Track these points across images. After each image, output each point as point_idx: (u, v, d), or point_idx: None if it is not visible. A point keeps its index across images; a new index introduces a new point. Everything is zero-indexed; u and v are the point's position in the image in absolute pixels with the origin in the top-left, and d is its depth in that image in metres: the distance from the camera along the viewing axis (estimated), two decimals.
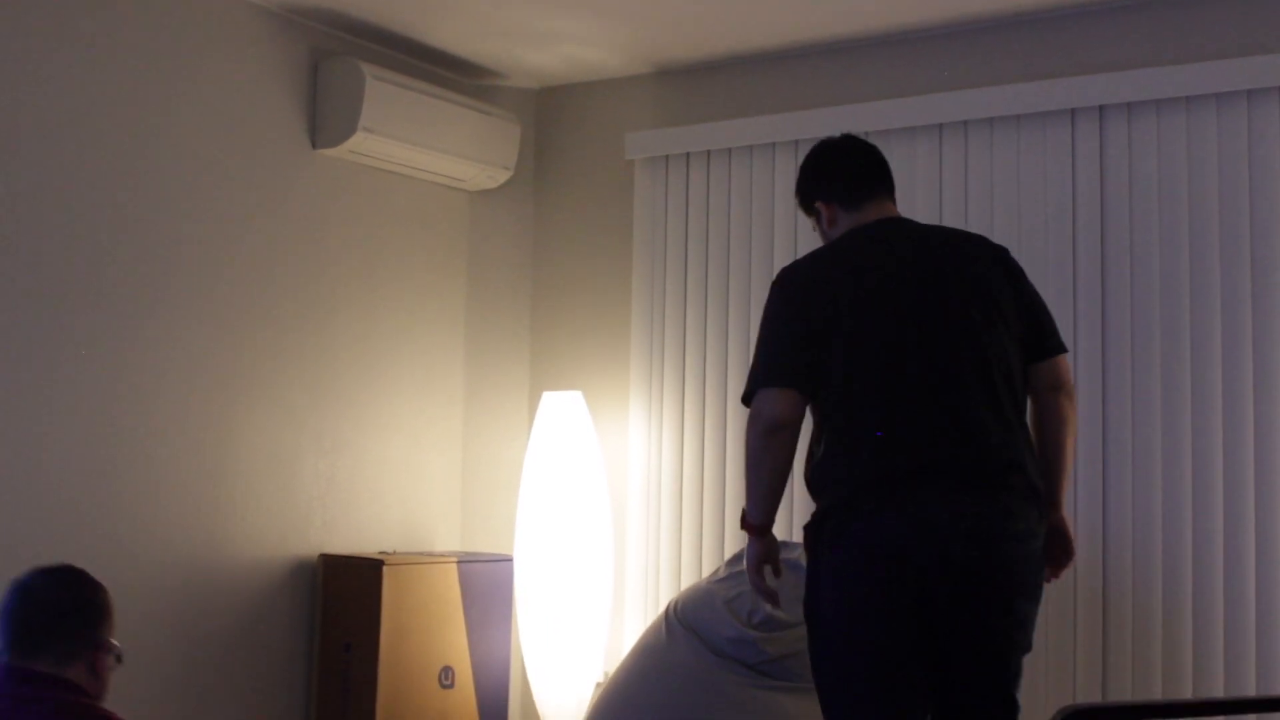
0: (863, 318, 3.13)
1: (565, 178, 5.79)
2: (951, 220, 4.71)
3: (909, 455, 3.02)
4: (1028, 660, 4.42)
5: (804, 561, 3.92)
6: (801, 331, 3.16)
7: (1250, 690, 4.10)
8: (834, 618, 3.09)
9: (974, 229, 4.65)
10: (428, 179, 5.43)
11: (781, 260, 5.06)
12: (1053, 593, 4.35)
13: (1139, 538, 4.32)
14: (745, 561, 3.31)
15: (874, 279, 3.19)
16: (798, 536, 3.68)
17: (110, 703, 4.26)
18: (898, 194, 4.45)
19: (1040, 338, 3.25)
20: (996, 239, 4.57)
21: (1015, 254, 4.36)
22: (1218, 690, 4.15)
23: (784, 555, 3.99)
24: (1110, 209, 4.47)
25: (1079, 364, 4.43)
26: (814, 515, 3.15)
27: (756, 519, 3.22)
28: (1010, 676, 3.17)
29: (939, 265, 3.22)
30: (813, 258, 3.37)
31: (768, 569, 3.28)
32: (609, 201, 5.63)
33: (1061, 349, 3.28)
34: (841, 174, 3.45)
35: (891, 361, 3.09)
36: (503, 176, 5.57)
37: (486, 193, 5.71)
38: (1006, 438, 3.06)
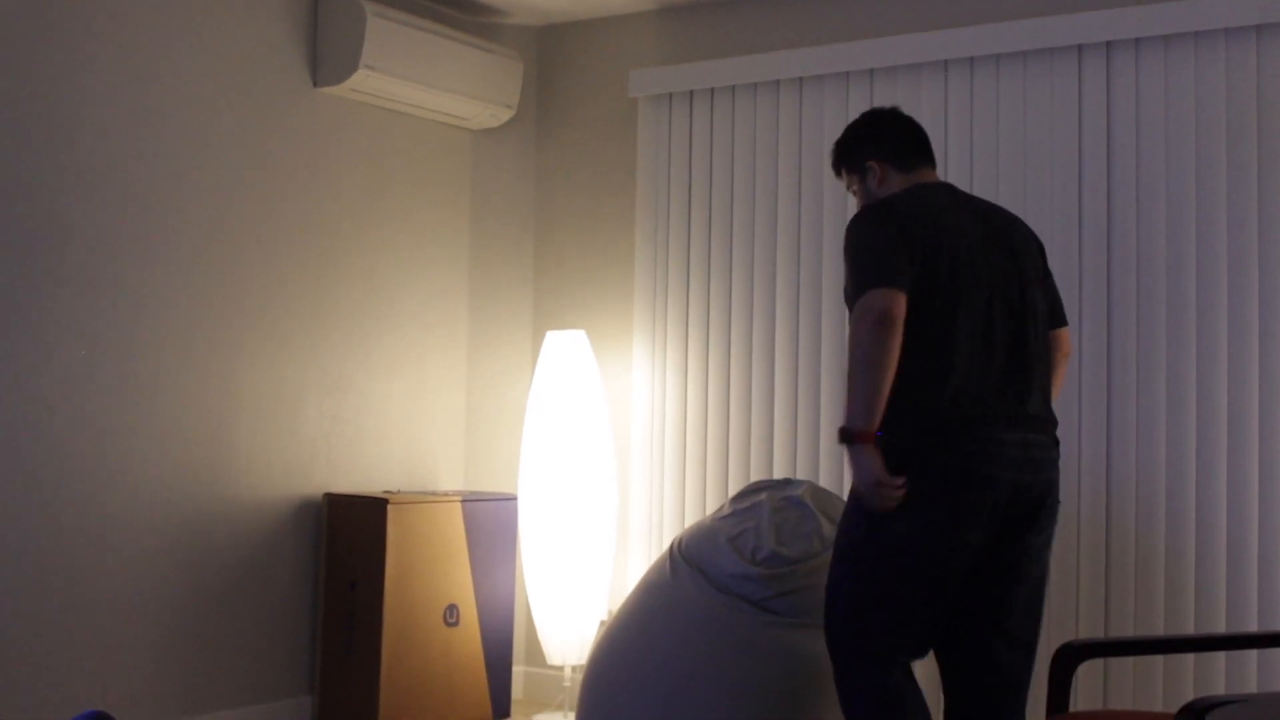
0: (961, 269, 3.33)
1: (568, 116, 5.76)
2: (957, 158, 4.68)
3: (992, 397, 3.30)
4: None
5: (809, 499, 3.95)
6: (905, 255, 3.29)
7: (1252, 627, 4.12)
8: (910, 535, 3.23)
9: (980, 167, 4.66)
10: (430, 117, 5.40)
11: (786, 197, 5.05)
12: (1058, 530, 4.37)
13: (1142, 476, 4.32)
14: (857, 478, 3.20)
15: (967, 239, 3.39)
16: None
17: (118, 644, 4.31)
18: None
19: (1056, 311, 3.61)
20: (1002, 177, 4.59)
21: (1021, 191, 4.40)
22: (1219, 628, 4.17)
23: (787, 492, 4.01)
24: (1117, 146, 4.44)
25: (1084, 303, 4.42)
26: (897, 440, 3.22)
27: (865, 423, 3.17)
28: (1042, 596, 3.47)
29: (1012, 241, 3.48)
30: (910, 196, 3.49)
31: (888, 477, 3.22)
32: (612, 140, 5.61)
33: (1066, 321, 3.65)
34: (898, 137, 3.66)
35: (982, 315, 3.32)
36: (505, 115, 5.54)
37: (489, 131, 5.68)
38: (1047, 388, 3.48)
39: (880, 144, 3.66)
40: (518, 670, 5.64)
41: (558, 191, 5.78)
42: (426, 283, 5.45)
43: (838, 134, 4.86)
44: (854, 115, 4.88)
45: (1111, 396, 4.38)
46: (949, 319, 3.28)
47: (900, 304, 3.22)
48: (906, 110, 4.68)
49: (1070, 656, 3.25)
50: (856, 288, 3.26)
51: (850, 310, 3.27)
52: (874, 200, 3.55)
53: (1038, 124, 4.56)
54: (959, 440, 3.24)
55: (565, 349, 5.22)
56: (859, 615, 3.30)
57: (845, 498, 4.52)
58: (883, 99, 4.83)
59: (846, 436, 3.20)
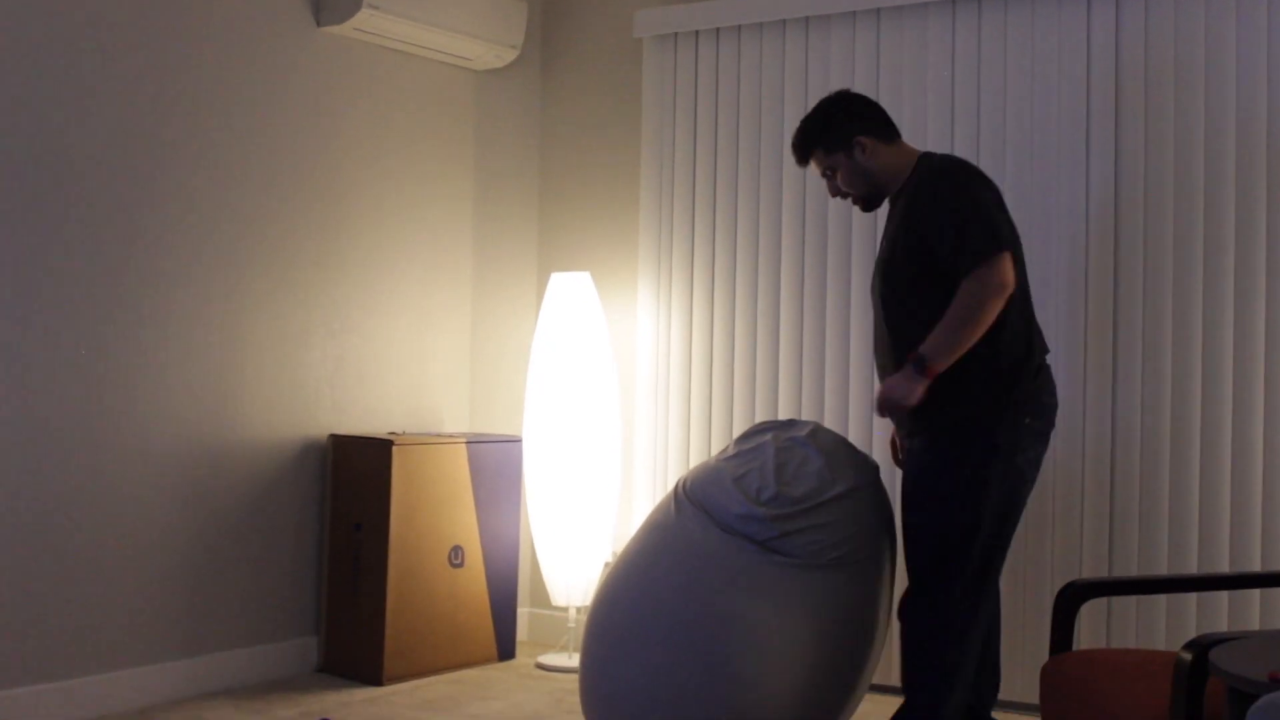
0: (1013, 231, 3.68)
1: (573, 57, 5.73)
2: (964, 99, 4.65)
3: (1038, 339, 3.71)
4: (1035, 537, 4.46)
5: (814, 439, 3.95)
6: (1001, 215, 3.63)
7: (1255, 567, 4.13)
8: (1021, 466, 3.61)
9: (986, 111, 4.64)
10: (434, 58, 5.37)
11: (790, 139, 5.01)
12: (1061, 471, 4.37)
13: (1147, 417, 4.32)
14: (901, 393, 3.54)
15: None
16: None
17: (122, 585, 4.33)
18: (911, 74, 4.51)
19: None
20: (1009, 123, 4.56)
21: (1028, 139, 4.40)
22: (1223, 568, 4.18)
23: (792, 433, 4.01)
24: (1125, 84, 4.40)
25: (1090, 243, 4.40)
26: (991, 380, 3.58)
27: (940, 366, 3.52)
28: None
29: None
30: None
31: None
32: (617, 80, 5.58)
33: None
34: (875, 112, 3.88)
35: (1023, 271, 3.68)
36: (510, 55, 5.50)
37: (493, 72, 5.65)
38: None
39: (863, 119, 3.85)
40: (522, 611, 5.66)
41: (562, 132, 5.76)
42: (431, 224, 5.43)
43: (843, 76, 4.88)
44: (861, 56, 4.87)
45: (1117, 337, 4.37)
46: (1022, 278, 3.63)
47: (1013, 273, 3.55)
48: (916, 50, 4.73)
49: (1073, 596, 3.26)
50: (985, 246, 3.50)
51: (970, 262, 3.50)
52: (873, 174, 3.81)
53: (1045, 71, 4.53)
54: (1033, 382, 3.63)
55: (570, 291, 5.21)
56: (973, 539, 3.59)
57: (849, 439, 4.52)
58: (889, 39, 4.80)
59: (921, 366, 3.50)
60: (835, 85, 4.90)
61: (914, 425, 3.71)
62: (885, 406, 3.61)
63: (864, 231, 4.84)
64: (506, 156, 5.73)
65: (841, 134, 3.81)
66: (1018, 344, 3.62)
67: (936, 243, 3.58)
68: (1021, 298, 3.63)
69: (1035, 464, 3.65)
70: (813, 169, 3.94)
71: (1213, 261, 4.24)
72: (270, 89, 4.80)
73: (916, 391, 3.52)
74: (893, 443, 4.10)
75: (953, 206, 3.59)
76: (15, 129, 4.07)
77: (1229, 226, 4.22)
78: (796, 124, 5.00)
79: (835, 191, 3.92)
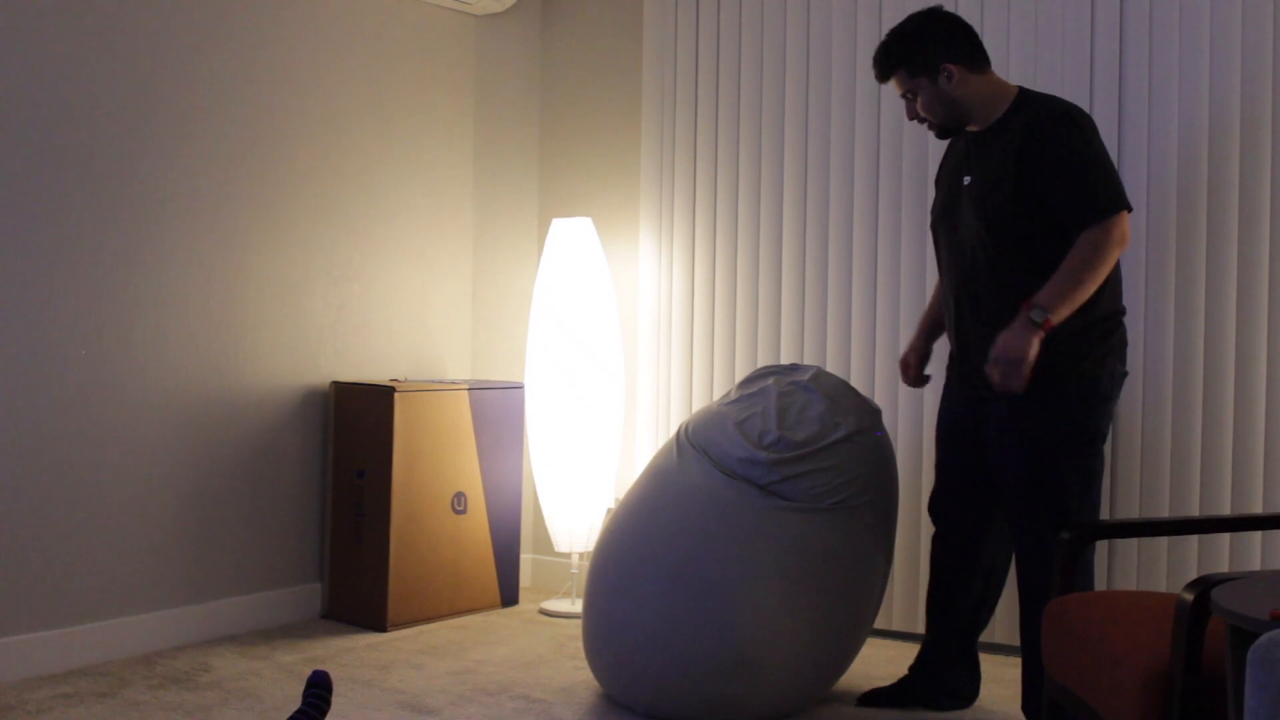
0: None
1: (573, 0, 5.68)
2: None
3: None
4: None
5: (816, 383, 3.94)
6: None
7: (1257, 509, 4.13)
8: (1108, 414, 3.64)
9: (991, 55, 4.59)
10: (434, 2, 5.33)
11: (794, 81, 4.99)
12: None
13: (1149, 361, 4.31)
14: (1018, 349, 3.43)
15: None
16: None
17: (126, 532, 4.34)
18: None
19: None
20: (1013, 63, 4.52)
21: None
22: (1224, 510, 4.18)
23: (794, 377, 4.01)
24: (1129, 32, 4.36)
25: None
26: (1100, 326, 3.58)
27: (1057, 320, 3.44)
28: None
29: None
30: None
31: None
32: (618, 24, 5.53)
33: None
34: (967, 37, 3.71)
35: None
36: (510, 0, 5.46)
37: (494, 17, 5.61)
38: None
39: (953, 45, 3.68)
40: (525, 558, 5.68)
41: (563, 77, 5.72)
42: (431, 170, 5.41)
43: (845, 18, 4.84)
44: (864, 1, 4.82)
45: (1124, 281, 4.35)
46: None
47: None
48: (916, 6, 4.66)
49: (1075, 538, 3.26)
50: (1108, 203, 3.45)
51: (1093, 215, 3.44)
52: (956, 103, 3.67)
53: (1049, 21, 4.49)
54: (1122, 333, 3.67)
55: (571, 236, 5.19)
56: (1092, 487, 3.60)
57: (851, 383, 4.52)
58: None
59: (1039, 319, 3.41)
60: (838, 28, 4.88)
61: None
62: (1002, 366, 3.45)
63: (866, 175, 4.82)
64: (507, 101, 5.70)
65: (929, 58, 3.65)
66: (1117, 295, 3.63)
67: (1056, 192, 3.48)
68: None
69: (1116, 403, 3.71)
70: (891, 86, 3.81)
71: (1216, 207, 4.21)
72: (269, 34, 4.77)
73: (1034, 345, 3.41)
74: (904, 362, 4.08)
75: (1082, 157, 3.49)
76: (7, 78, 4.04)
77: (1234, 178, 4.19)
78: (797, 70, 5.00)
79: (913, 115, 3.76)
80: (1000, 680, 4.22)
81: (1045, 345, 3.44)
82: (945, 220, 3.80)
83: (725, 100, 5.18)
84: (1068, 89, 4.41)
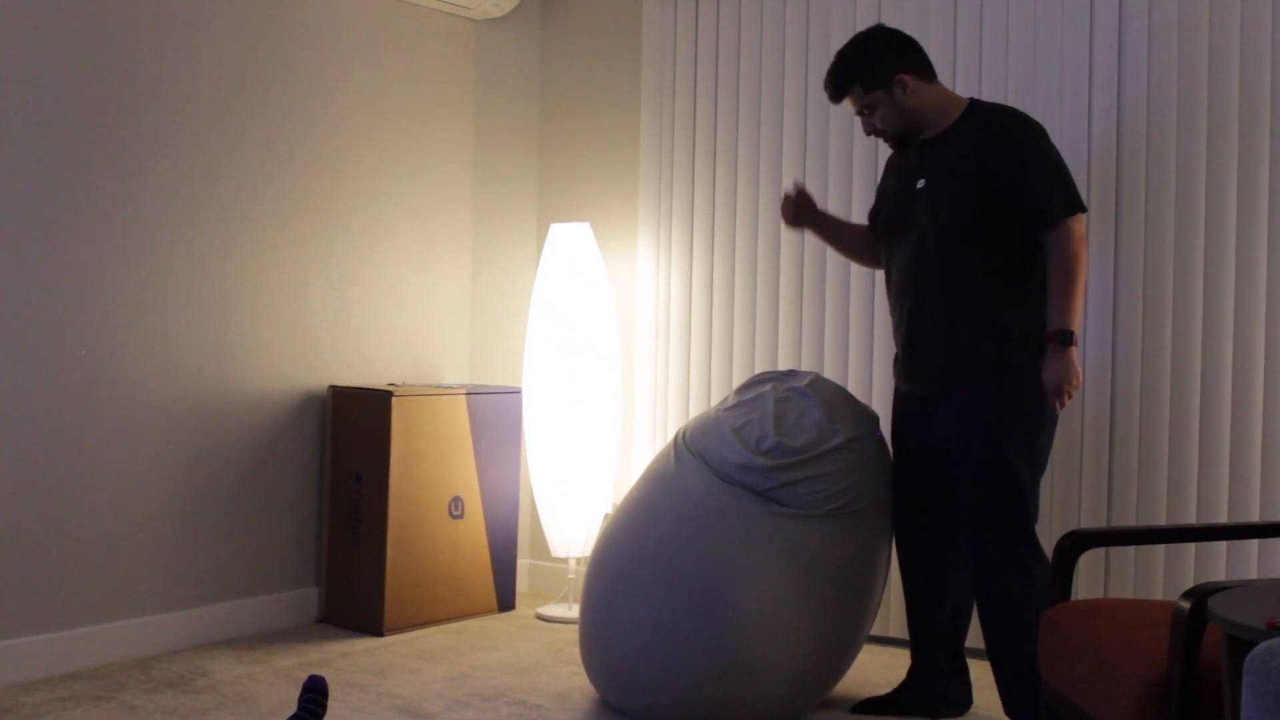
0: None
1: (573, 5, 5.69)
2: (966, 59, 4.62)
3: None
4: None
5: (813, 389, 3.94)
6: None
7: (1253, 518, 4.13)
8: (1053, 423, 3.72)
9: (989, 67, 4.59)
10: (433, 6, 5.33)
11: (793, 89, 4.99)
12: (1061, 422, 4.37)
13: (1147, 367, 4.31)
14: (1064, 375, 3.55)
15: None
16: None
17: (122, 536, 4.34)
18: (914, 23, 4.45)
19: None
20: (1011, 76, 4.52)
21: (1030, 91, 4.35)
22: (1221, 518, 4.18)
23: (792, 383, 4.01)
24: (1128, 39, 4.37)
25: (1091, 202, 4.38)
26: (1029, 333, 3.64)
27: (1077, 327, 3.57)
28: None
29: None
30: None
31: None
32: (617, 29, 5.54)
33: None
34: (918, 50, 3.82)
35: None
36: (509, 5, 5.47)
37: (493, 21, 5.61)
38: None
39: (905, 56, 3.79)
40: (522, 563, 5.68)
41: (562, 82, 5.72)
42: (430, 175, 5.41)
43: (843, 26, 4.84)
44: (862, 5, 4.82)
45: (1118, 291, 4.36)
46: None
47: None
48: (915, 10, 4.69)
49: (1072, 546, 3.26)
50: (1068, 204, 3.58)
51: (1056, 217, 3.57)
52: (912, 113, 3.76)
53: (1048, 22, 4.49)
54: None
55: (570, 241, 5.19)
56: (1036, 488, 3.70)
57: (849, 389, 4.52)
58: None
59: (1067, 340, 3.53)
60: (836, 35, 4.88)
61: (950, 382, 3.73)
62: (1059, 390, 3.57)
63: (864, 182, 4.82)
64: (506, 107, 5.70)
65: (882, 71, 3.75)
66: None
67: (1018, 190, 3.59)
68: None
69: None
70: (846, 105, 3.89)
71: (1214, 211, 4.21)
72: (269, 39, 4.77)
73: (1075, 362, 3.55)
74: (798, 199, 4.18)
75: (1042, 159, 3.61)
76: (7, 81, 4.04)
77: (1231, 184, 4.19)
78: (796, 75, 5.00)
79: (870, 130, 3.87)
80: (995, 687, 4.21)
81: (999, 339, 3.62)
82: (891, 225, 3.90)
83: (724, 106, 5.18)
84: (1065, 97, 4.42)
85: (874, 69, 3.76)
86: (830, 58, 4.86)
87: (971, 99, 3.81)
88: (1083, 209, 3.59)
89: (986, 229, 3.64)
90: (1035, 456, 3.66)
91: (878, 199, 4.09)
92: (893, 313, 3.94)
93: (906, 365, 3.88)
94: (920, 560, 3.95)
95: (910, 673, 4.02)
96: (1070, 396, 3.58)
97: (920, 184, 3.77)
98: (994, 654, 3.69)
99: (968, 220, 3.65)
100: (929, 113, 3.77)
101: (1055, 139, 4.37)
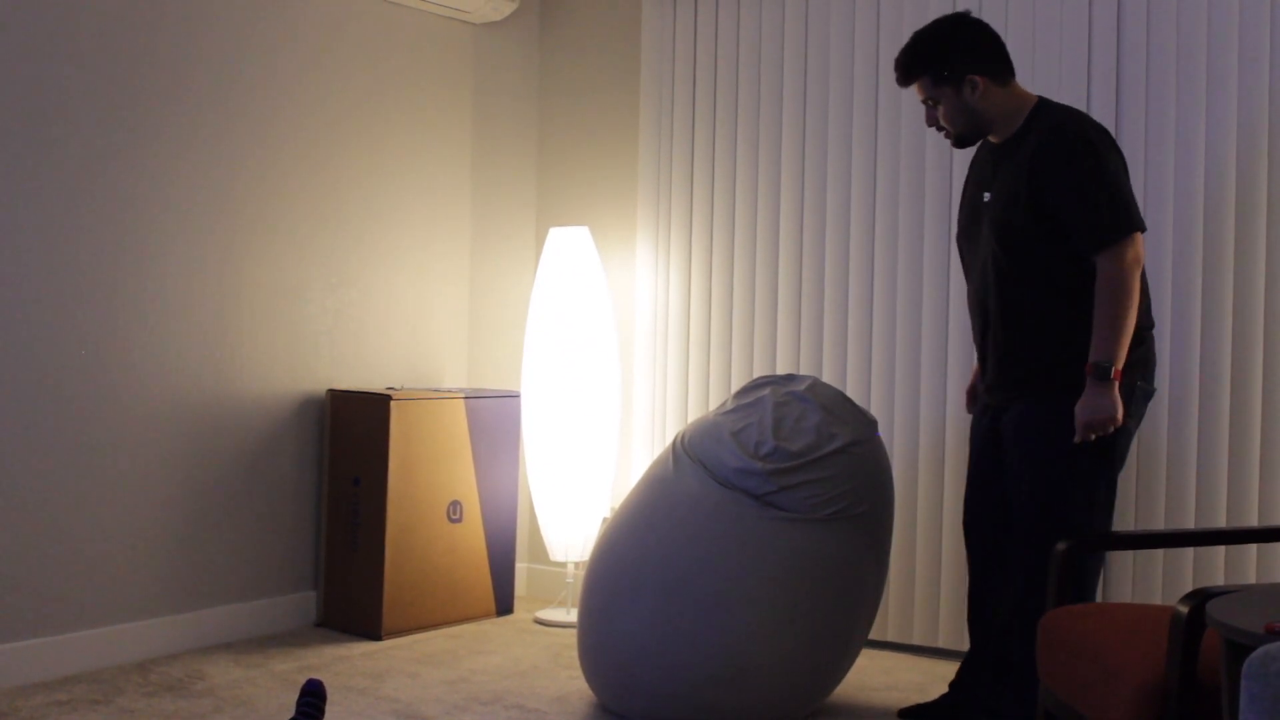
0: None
1: (571, 9, 5.69)
2: None
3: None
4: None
5: (812, 394, 3.94)
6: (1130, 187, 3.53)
7: (1252, 522, 4.13)
8: (1124, 431, 3.54)
9: None
10: (431, 10, 5.33)
11: (791, 92, 4.99)
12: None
13: None
14: (1102, 410, 3.41)
15: None
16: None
17: (121, 539, 4.34)
18: (913, 27, 4.41)
19: None
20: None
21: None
22: (1220, 523, 4.18)
23: (790, 387, 4.01)
24: (1126, 38, 4.37)
25: None
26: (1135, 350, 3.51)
27: (1120, 362, 3.41)
28: None
29: None
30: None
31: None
32: (616, 34, 5.54)
33: None
34: (994, 48, 3.66)
35: None
36: (508, 9, 5.47)
37: (491, 25, 5.61)
38: None
39: (980, 55, 3.63)
40: (521, 567, 5.68)
41: (561, 86, 5.73)
42: (429, 178, 5.41)
43: (843, 31, 4.84)
44: (861, 7, 4.82)
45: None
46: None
47: None
48: (914, 11, 4.69)
49: (1072, 551, 3.26)
50: (1123, 225, 3.40)
51: (1103, 240, 3.40)
52: (978, 115, 3.63)
53: (1046, 20, 4.49)
54: (1147, 348, 3.59)
55: (568, 245, 5.19)
56: (1094, 507, 3.55)
57: (848, 394, 4.52)
58: None
59: (1105, 374, 3.38)
60: (836, 41, 4.88)
61: (1024, 390, 3.61)
62: (1095, 427, 3.42)
63: (863, 185, 4.82)
64: (505, 110, 5.70)
65: (955, 68, 3.60)
66: (1144, 309, 3.56)
67: (1066, 212, 3.45)
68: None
69: (1139, 423, 3.62)
70: (914, 90, 3.76)
71: (1212, 215, 4.21)
72: (268, 43, 4.77)
73: (1116, 400, 3.40)
74: (970, 392, 4.02)
75: (1091, 177, 3.43)
76: (7, 83, 4.04)
77: (1230, 182, 4.19)
78: (795, 78, 5.00)
79: (932, 122, 3.73)
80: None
81: (1069, 357, 3.47)
82: (968, 236, 3.78)
83: (723, 110, 5.18)
84: (1064, 91, 4.42)
85: (947, 63, 3.61)
86: (828, 62, 4.90)
87: (1040, 98, 3.66)
88: (1137, 228, 3.42)
89: (1045, 249, 3.51)
90: (1092, 482, 3.54)
91: (961, 203, 3.92)
92: (972, 322, 3.86)
93: (983, 376, 3.80)
94: (981, 558, 3.83)
95: (954, 681, 3.92)
96: (1107, 432, 3.43)
97: (987, 196, 3.67)
98: (1024, 666, 3.56)
99: (1026, 243, 3.52)
100: (996, 117, 3.64)
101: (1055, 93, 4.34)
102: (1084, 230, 3.42)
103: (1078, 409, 3.43)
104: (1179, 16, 4.26)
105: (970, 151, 3.96)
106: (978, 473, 3.85)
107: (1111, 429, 3.43)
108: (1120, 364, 3.39)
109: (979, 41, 3.64)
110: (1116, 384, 3.39)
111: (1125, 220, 3.41)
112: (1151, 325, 3.63)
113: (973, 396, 3.99)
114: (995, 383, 3.70)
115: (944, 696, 3.94)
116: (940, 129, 3.73)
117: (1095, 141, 3.47)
